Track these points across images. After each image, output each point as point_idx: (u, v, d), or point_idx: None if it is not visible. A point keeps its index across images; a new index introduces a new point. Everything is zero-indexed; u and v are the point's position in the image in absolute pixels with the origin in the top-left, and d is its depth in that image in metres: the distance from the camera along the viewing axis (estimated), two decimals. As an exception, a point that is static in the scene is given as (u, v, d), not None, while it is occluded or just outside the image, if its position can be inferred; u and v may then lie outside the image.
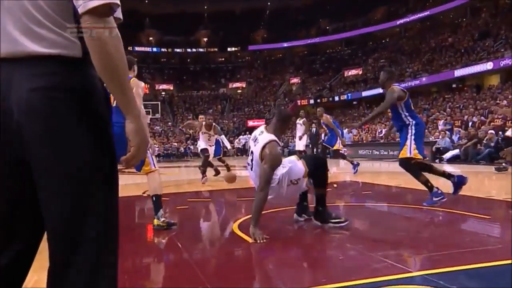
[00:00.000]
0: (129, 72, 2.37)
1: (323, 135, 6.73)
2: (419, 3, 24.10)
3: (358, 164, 5.99)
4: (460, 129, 9.39)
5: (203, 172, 5.00)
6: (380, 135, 12.68)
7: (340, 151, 6.25)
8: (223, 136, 5.63)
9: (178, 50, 30.29)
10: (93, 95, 0.70)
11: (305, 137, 6.89)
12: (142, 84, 2.33)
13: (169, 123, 23.93)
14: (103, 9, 0.65)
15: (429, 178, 2.90)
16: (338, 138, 6.00)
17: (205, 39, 31.53)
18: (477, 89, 16.11)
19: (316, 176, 2.25)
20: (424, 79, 18.61)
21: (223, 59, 31.67)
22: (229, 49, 30.79)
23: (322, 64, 28.40)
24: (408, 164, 2.93)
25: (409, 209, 2.93)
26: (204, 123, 5.37)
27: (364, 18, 27.25)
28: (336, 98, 22.41)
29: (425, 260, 1.60)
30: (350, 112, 20.97)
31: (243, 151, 15.56)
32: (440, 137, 8.99)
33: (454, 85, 17.78)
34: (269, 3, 30.03)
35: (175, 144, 18.88)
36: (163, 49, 30.02)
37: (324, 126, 6.28)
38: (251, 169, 2.28)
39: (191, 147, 18.49)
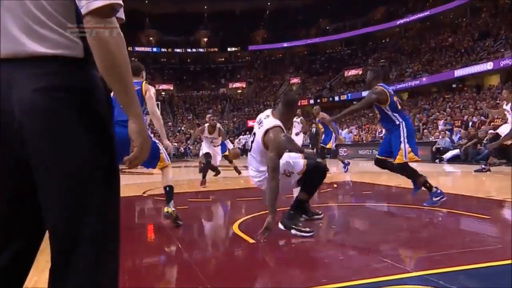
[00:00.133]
0: (137, 77, 2.45)
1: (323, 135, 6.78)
2: (419, 3, 24.10)
3: (348, 164, 6.17)
4: (460, 129, 9.38)
5: (204, 176, 4.91)
6: (380, 135, 12.68)
7: (333, 150, 6.37)
8: (228, 141, 5.45)
9: (178, 50, 30.28)
10: (95, 95, 0.70)
11: (301, 134, 6.97)
12: (153, 88, 2.45)
13: (169, 123, 23.93)
14: (106, 10, 0.65)
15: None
16: (332, 137, 6.07)
17: (205, 39, 31.53)
18: (477, 89, 16.12)
19: (309, 181, 2.14)
20: (424, 79, 18.62)
21: (223, 59, 31.67)
22: (229, 49, 30.78)
23: (322, 64, 28.40)
24: (404, 169, 2.93)
25: (409, 209, 2.93)
26: (207, 124, 5.09)
27: (364, 18, 27.25)
28: (336, 98, 22.42)
29: (425, 260, 1.60)
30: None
31: (243, 151, 15.56)
32: (440, 137, 8.98)
33: (454, 85, 17.79)
34: (269, 3, 30.02)
35: (175, 144, 18.88)
36: (163, 49, 30.02)
37: (320, 124, 6.34)
38: (250, 150, 2.23)
39: (191, 147, 18.50)
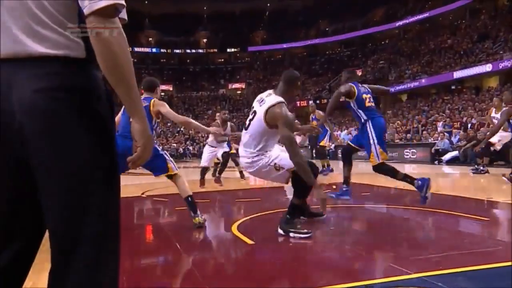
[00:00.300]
0: (151, 93, 2.45)
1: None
2: (418, 4, 24.20)
3: (331, 171, 6.06)
4: (459, 131, 9.41)
5: (202, 177, 4.89)
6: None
7: (326, 149, 6.33)
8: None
9: (177, 50, 30.31)
10: (95, 96, 0.70)
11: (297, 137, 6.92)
12: (165, 103, 2.46)
13: (168, 124, 23.91)
14: (109, 10, 0.65)
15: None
16: (327, 135, 6.05)
17: (205, 40, 31.56)
18: (476, 90, 16.17)
19: (300, 183, 2.07)
20: (423, 80, 18.67)
21: (222, 60, 31.70)
22: (228, 50, 30.84)
23: (322, 65, 28.47)
24: (381, 169, 3.01)
25: (408, 211, 2.93)
26: (219, 120, 4.96)
27: (363, 20, 27.34)
28: (336, 99, 22.44)
29: (424, 262, 1.61)
30: (349, 113, 20.98)
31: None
32: (439, 138, 9.01)
33: (453, 87, 17.85)
34: (268, 4, 30.09)
35: (174, 145, 18.88)
36: (162, 50, 30.05)
37: (315, 122, 6.30)
38: (246, 129, 2.15)
39: (190, 148, 18.48)
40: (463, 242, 1.97)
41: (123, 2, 0.68)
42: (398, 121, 14.00)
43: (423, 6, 23.76)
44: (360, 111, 3.05)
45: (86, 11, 0.65)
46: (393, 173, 2.98)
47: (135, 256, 1.88)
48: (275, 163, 2.08)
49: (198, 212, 2.39)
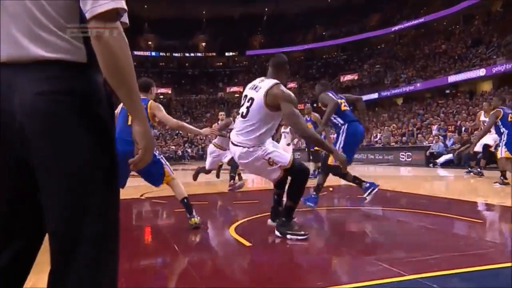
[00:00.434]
0: (146, 94, 2.44)
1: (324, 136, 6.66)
2: (413, 10, 24.57)
3: (314, 175, 6.00)
4: (453, 134, 9.52)
5: (195, 179, 4.89)
6: (376, 140, 12.79)
7: (321, 153, 6.30)
8: None
9: (176, 54, 30.34)
10: (96, 99, 0.70)
11: (291, 146, 6.78)
12: (160, 106, 2.44)
13: (167, 126, 23.84)
14: (110, 14, 0.66)
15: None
16: (321, 137, 6.01)
17: (203, 44, 31.67)
18: (470, 95, 16.39)
19: (293, 186, 2.10)
20: (418, 84, 18.89)
21: (221, 63, 31.79)
22: (227, 54, 30.93)
23: (319, 69, 28.66)
24: (333, 171, 3.09)
25: (404, 213, 2.96)
26: (222, 122, 4.79)
27: (360, 25, 27.65)
28: (333, 103, 22.56)
29: (419, 264, 1.62)
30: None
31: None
32: (434, 142, 9.10)
33: (447, 91, 18.07)
34: (266, 9, 30.35)
35: (173, 147, 18.81)
36: (161, 54, 30.07)
37: (310, 123, 6.28)
38: (243, 116, 2.09)
39: (189, 150, 18.43)
40: (457, 244, 1.99)
41: (125, 6, 0.68)
42: (394, 124, 14.12)
43: (418, 11, 24.12)
44: (336, 116, 3.14)
45: (88, 15, 0.65)
46: (344, 175, 3.11)
47: (134, 257, 1.87)
48: (269, 157, 2.06)
49: (194, 213, 2.42)
